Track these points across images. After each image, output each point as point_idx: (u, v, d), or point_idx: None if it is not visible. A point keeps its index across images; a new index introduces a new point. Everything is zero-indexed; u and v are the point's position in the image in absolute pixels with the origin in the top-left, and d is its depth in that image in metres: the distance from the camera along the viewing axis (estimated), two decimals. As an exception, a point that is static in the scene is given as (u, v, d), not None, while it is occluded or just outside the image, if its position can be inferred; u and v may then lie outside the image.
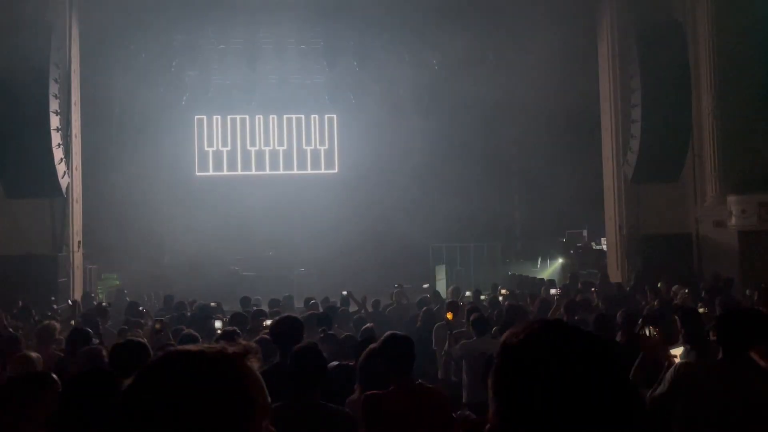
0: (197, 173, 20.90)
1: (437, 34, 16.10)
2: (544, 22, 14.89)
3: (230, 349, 1.18)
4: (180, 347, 1.23)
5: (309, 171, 21.49)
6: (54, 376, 3.44)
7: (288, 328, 4.19)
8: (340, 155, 21.66)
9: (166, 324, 7.19)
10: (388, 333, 3.84)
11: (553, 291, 10.78)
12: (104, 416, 1.20)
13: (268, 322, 6.55)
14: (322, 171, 21.54)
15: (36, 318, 8.80)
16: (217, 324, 7.06)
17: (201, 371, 1.13)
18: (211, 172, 21.07)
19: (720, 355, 3.40)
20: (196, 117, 20.88)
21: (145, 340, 3.79)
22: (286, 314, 4.82)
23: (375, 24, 16.30)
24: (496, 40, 16.73)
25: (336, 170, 21.62)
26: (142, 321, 8.37)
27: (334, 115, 21.55)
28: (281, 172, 21.27)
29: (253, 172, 21.15)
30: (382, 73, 18.65)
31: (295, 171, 21.39)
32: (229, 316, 8.44)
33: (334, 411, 3.39)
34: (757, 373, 3.31)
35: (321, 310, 8.38)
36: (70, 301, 11.30)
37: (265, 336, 5.35)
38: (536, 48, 16.09)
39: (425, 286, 12.14)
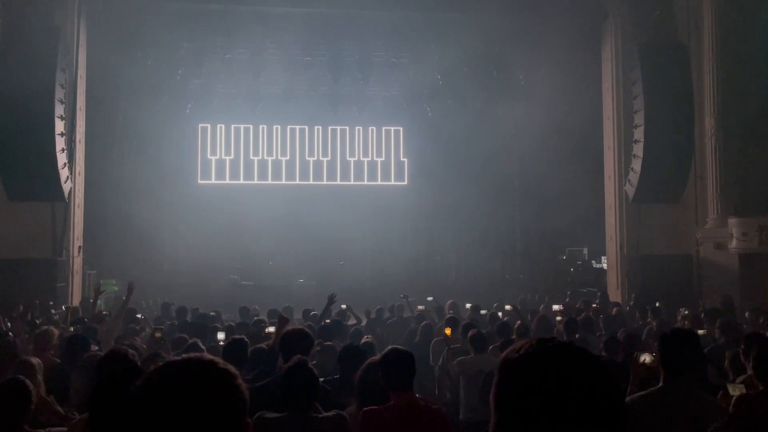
0: (199, 181, 20.93)
1: (441, 49, 16.19)
2: (547, 39, 14.98)
3: (219, 361, 1.36)
4: (178, 358, 1.38)
5: (311, 182, 21.51)
6: (28, 382, 3.45)
7: (297, 342, 4.16)
8: (342, 166, 21.71)
9: (165, 332, 7.18)
10: (389, 347, 3.83)
11: (556, 307, 10.76)
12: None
13: (271, 329, 6.54)
14: (324, 182, 21.56)
15: (37, 321, 8.77)
16: (220, 336, 7.05)
17: (200, 380, 1.29)
18: (213, 181, 21.10)
19: (661, 382, 3.31)
20: (200, 125, 20.94)
21: (132, 351, 3.77)
22: (297, 327, 4.80)
23: (380, 37, 16.41)
24: (500, 58, 16.81)
25: (338, 181, 21.65)
26: (138, 327, 8.34)
27: (338, 128, 21.64)
28: (283, 182, 21.30)
29: (256, 181, 21.18)
30: (384, 87, 18.74)
31: (297, 181, 21.42)
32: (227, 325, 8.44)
33: (326, 418, 3.41)
34: (694, 398, 3.26)
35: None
36: (80, 305, 11.26)
37: (262, 346, 5.34)
38: (540, 66, 16.20)
39: (429, 299, 12.11)
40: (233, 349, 4.83)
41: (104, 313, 9.67)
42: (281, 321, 5.29)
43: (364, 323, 9.50)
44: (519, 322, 7.67)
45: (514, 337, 6.82)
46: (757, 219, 12.99)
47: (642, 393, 3.38)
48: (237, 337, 5.49)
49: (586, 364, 1.20)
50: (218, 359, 1.35)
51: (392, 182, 21.74)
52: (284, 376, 3.41)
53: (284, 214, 19.14)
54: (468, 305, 10.90)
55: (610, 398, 1.18)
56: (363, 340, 6.74)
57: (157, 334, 6.82)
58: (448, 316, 8.50)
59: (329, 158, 21.66)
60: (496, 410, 1.21)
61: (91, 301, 9.68)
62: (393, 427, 3.41)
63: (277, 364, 4.58)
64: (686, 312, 9.59)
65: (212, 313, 10.18)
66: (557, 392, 1.15)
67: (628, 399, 3.30)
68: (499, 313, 10.33)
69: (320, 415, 3.42)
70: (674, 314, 9.93)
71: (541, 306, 11.53)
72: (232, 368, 1.35)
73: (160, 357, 4.54)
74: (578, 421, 1.14)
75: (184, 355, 1.37)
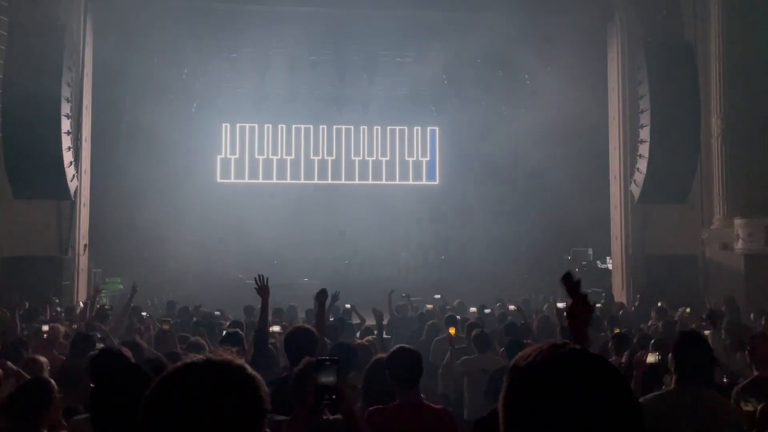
0: (204, 180, 20.96)
1: (446, 49, 16.17)
2: (553, 39, 14.94)
3: (236, 359, 1.32)
4: (195, 357, 1.32)
5: (316, 181, 21.53)
6: (52, 382, 3.44)
7: (300, 340, 4.15)
8: (346, 166, 21.73)
9: (172, 326, 7.19)
10: (396, 346, 3.82)
11: (561, 305, 10.73)
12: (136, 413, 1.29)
13: (276, 328, 6.54)
14: (329, 181, 21.57)
15: (43, 318, 8.80)
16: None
17: (218, 380, 1.26)
18: (218, 180, 21.14)
19: (673, 384, 3.32)
20: (205, 124, 20.97)
21: (125, 348, 3.77)
22: (300, 326, 4.81)
23: (385, 37, 16.41)
24: (505, 57, 16.77)
25: (342, 180, 21.66)
26: (143, 327, 8.36)
27: (342, 127, 21.65)
28: (288, 181, 21.32)
29: (260, 180, 21.21)
30: (389, 86, 18.74)
31: (302, 180, 21.44)
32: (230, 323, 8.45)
33: (336, 420, 3.40)
34: (708, 399, 3.25)
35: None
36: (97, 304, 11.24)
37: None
38: (545, 66, 16.15)
39: (436, 296, 12.13)
40: (230, 343, 4.82)
41: (107, 307, 9.69)
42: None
43: (366, 323, 9.50)
44: (522, 321, 7.67)
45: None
46: (763, 219, 12.92)
47: (656, 394, 3.38)
48: (231, 330, 5.49)
49: (601, 372, 1.15)
50: (246, 365, 1.32)
51: (397, 181, 21.75)
52: (296, 378, 3.40)
53: (289, 213, 19.17)
54: (472, 309, 10.86)
55: (626, 406, 1.13)
56: (359, 342, 6.70)
57: (165, 327, 6.82)
58: (447, 315, 8.49)
59: (334, 157, 21.68)
60: (506, 419, 1.18)
61: (91, 301, 9.70)
62: (398, 426, 3.40)
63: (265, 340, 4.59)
64: (687, 311, 9.57)
65: (216, 312, 10.20)
66: (570, 402, 1.10)
67: (641, 400, 3.30)
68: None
69: (330, 418, 3.42)
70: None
71: (545, 306, 11.51)
72: (258, 376, 1.32)
73: (177, 356, 4.57)
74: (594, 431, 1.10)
75: (211, 356, 1.32)
